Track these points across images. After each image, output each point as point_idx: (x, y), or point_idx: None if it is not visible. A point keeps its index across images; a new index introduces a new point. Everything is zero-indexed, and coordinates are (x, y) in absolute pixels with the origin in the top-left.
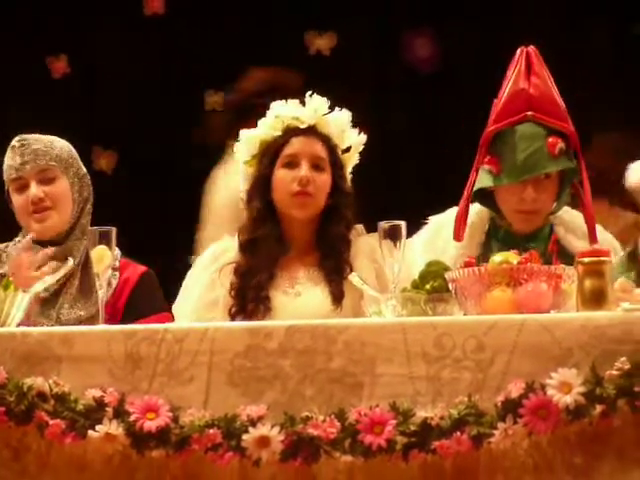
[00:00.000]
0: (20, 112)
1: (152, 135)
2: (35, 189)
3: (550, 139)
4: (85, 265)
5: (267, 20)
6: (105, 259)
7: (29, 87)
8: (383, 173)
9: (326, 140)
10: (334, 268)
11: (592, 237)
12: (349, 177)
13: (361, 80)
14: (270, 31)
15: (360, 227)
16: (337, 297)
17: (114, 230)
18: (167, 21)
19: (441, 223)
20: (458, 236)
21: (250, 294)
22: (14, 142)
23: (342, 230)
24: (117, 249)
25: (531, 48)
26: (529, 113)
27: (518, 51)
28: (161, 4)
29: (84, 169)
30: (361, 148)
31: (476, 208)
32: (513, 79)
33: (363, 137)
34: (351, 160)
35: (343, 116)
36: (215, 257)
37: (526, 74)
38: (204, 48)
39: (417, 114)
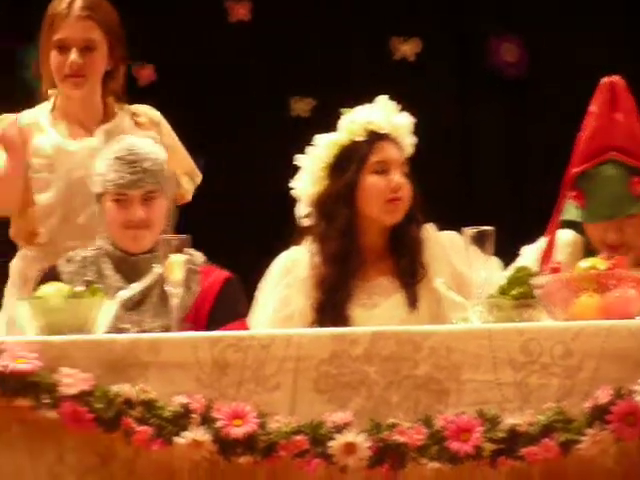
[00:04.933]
0: None
1: None
2: (139, 211)
3: (633, 179)
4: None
5: (350, 25)
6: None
7: None
8: (465, 177)
9: (400, 145)
10: (408, 271)
11: None
12: None
13: (443, 86)
14: (351, 37)
15: (430, 226)
16: (412, 301)
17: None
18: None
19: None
20: (545, 266)
21: (330, 310)
22: (124, 149)
23: (416, 232)
24: (200, 254)
25: (616, 79)
26: (612, 153)
27: (602, 82)
28: (247, 10)
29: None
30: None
31: (570, 239)
32: (596, 114)
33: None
34: None
35: (408, 119)
36: (287, 269)
37: (610, 108)
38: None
39: (501, 119)
